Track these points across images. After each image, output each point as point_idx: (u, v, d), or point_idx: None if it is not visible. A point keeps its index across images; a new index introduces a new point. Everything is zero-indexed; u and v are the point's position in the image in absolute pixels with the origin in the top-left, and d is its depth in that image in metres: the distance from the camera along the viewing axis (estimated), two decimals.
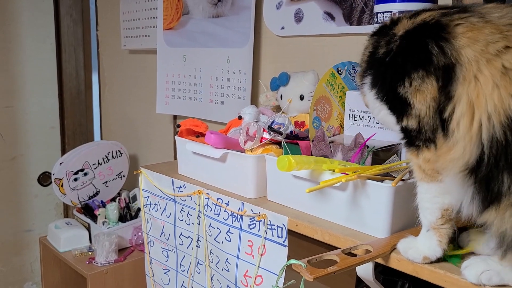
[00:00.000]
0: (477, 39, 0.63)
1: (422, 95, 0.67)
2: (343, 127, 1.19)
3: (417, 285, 1.09)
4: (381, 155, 1.03)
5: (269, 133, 1.09)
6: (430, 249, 0.74)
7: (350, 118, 1.15)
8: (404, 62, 0.70)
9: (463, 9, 0.68)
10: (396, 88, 0.71)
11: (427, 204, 0.74)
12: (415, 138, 0.70)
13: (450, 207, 0.72)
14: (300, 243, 1.38)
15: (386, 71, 0.73)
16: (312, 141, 1.10)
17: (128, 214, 1.93)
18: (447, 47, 0.65)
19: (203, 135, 1.25)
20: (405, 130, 0.72)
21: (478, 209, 0.66)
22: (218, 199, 1.11)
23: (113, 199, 2.00)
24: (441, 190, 0.71)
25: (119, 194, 2.06)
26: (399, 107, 0.71)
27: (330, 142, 1.05)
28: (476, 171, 0.64)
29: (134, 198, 2.00)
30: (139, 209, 1.93)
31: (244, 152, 1.11)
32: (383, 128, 1.07)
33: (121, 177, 2.08)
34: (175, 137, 1.28)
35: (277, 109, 1.39)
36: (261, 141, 1.09)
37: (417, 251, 0.75)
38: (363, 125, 1.13)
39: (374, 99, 0.77)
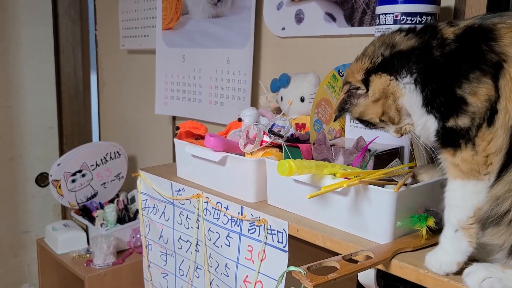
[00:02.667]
0: None
1: (481, 93, 0.69)
2: (344, 130, 1.17)
3: None
4: (383, 158, 1.02)
5: (270, 136, 1.08)
6: (462, 252, 0.72)
7: (352, 120, 1.14)
8: (462, 63, 0.71)
9: (498, 14, 0.72)
10: (453, 90, 0.71)
11: (458, 202, 0.72)
12: (461, 137, 0.71)
13: (482, 206, 0.70)
14: (301, 246, 1.36)
15: (441, 73, 0.73)
16: (313, 144, 1.08)
17: (126, 215, 1.92)
18: (495, 46, 0.69)
19: (202, 137, 1.23)
20: (450, 130, 0.72)
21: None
22: (217, 203, 1.10)
23: (112, 201, 1.99)
24: (477, 189, 0.70)
25: (117, 195, 2.04)
26: (450, 107, 0.71)
27: (331, 145, 1.04)
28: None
29: (133, 199, 1.99)
30: (137, 211, 1.92)
31: (244, 155, 1.09)
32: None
33: (119, 179, 2.06)
34: (174, 139, 1.26)
35: (278, 110, 1.38)
36: (261, 144, 1.07)
37: (451, 261, 0.73)
38: (365, 127, 1.11)
39: (419, 102, 0.75)
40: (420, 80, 0.75)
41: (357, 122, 0.87)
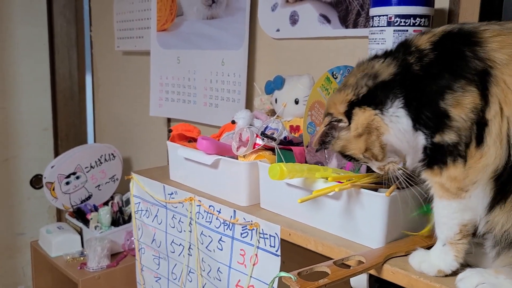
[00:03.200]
0: (507, 42, 0.65)
1: (464, 105, 0.66)
2: None
3: None
4: None
5: (262, 139, 1.07)
6: (446, 263, 0.73)
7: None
8: (443, 73, 0.68)
9: (478, 22, 0.71)
10: (437, 103, 0.68)
11: (444, 220, 0.72)
12: (449, 153, 0.68)
13: (469, 223, 0.71)
14: (296, 249, 1.35)
15: (423, 87, 0.70)
16: (307, 147, 1.07)
17: (121, 218, 1.90)
18: (480, 52, 0.66)
19: (195, 140, 1.22)
20: (437, 146, 0.69)
21: (485, 210, 0.66)
22: (210, 206, 1.09)
23: (106, 203, 1.97)
24: (462, 207, 0.70)
25: (112, 198, 2.02)
26: (435, 122, 0.68)
27: (324, 149, 1.03)
28: (500, 176, 0.64)
29: (128, 202, 1.97)
30: None
31: (237, 159, 1.08)
32: None
33: (114, 181, 2.05)
34: (167, 142, 1.25)
35: (272, 113, 1.37)
36: (254, 147, 1.07)
37: (432, 265, 0.74)
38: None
39: (409, 124, 0.71)
40: (406, 101, 0.71)
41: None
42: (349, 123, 0.77)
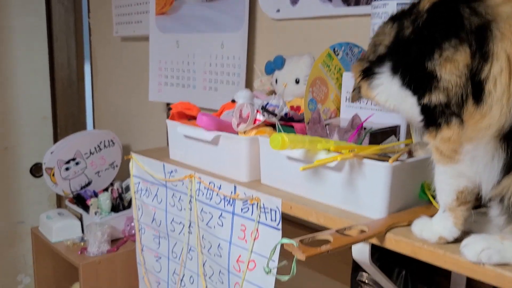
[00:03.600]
0: None
1: (453, 65, 0.64)
2: (340, 110, 1.15)
3: (413, 272, 1.06)
4: (378, 137, 1.00)
5: (263, 115, 1.06)
6: (446, 230, 0.72)
7: (347, 100, 1.12)
8: (432, 33, 0.66)
9: None
10: (423, 63, 0.67)
11: (443, 186, 0.72)
12: (440, 114, 0.67)
13: (465, 190, 0.69)
14: (296, 232, 1.35)
15: (411, 48, 0.69)
16: (308, 123, 1.06)
17: (121, 204, 1.89)
18: (480, 7, 0.63)
19: (195, 118, 1.21)
20: (427, 108, 0.68)
21: (498, 177, 0.63)
22: (210, 183, 1.08)
23: (106, 189, 1.96)
24: (456, 173, 0.69)
25: (112, 184, 2.01)
26: (423, 83, 0.68)
27: (326, 125, 1.02)
28: (509, 135, 0.62)
29: (127, 188, 1.96)
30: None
31: (237, 135, 1.07)
32: (381, 111, 1.03)
33: (113, 167, 2.04)
34: (166, 120, 1.24)
35: (272, 94, 1.36)
36: (254, 123, 1.05)
37: (433, 232, 0.73)
38: (361, 107, 1.09)
39: (397, 88, 0.72)
40: (394, 68, 0.72)
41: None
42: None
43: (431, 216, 0.77)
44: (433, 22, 0.67)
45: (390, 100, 0.75)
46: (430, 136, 0.70)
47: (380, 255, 1.09)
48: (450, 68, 0.64)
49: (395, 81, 0.72)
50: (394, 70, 0.72)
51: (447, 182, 0.70)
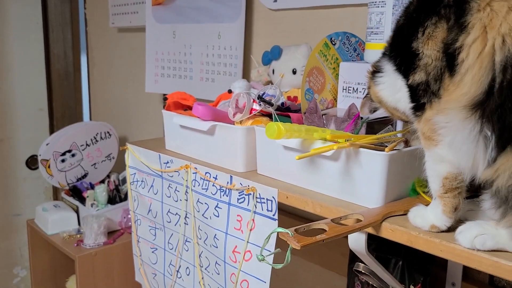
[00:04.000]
0: None
1: (433, 41, 0.65)
2: (336, 100, 1.14)
3: (410, 262, 1.06)
4: (375, 127, 0.99)
5: (259, 104, 1.05)
6: (437, 218, 0.72)
7: (344, 90, 1.11)
8: (417, 15, 0.67)
9: None
10: (410, 44, 0.68)
11: (430, 172, 0.72)
12: (423, 94, 0.67)
13: (449, 175, 0.69)
14: (292, 222, 1.34)
15: (402, 33, 0.71)
16: (304, 113, 1.05)
17: (117, 196, 1.89)
18: None
19: (191, 108, 1.20)
20: (412, 89, 0.69)
21: (492, 156, 0.61)
22: (206, 173, 1.07)
23: (102, 181, 1.96)
24: (437, 157, 0.69)
25: (108, 176, 2.01)
26: (409, 63, 0.68)
27: (323, 115, 1.01)
28: (484, 104, 0.60)
29: (124, 180, 1.96)
30: None
31: (234, 124, 1.06)
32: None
33: (110, 159, 2.03)
34: (162, 110, 1.23)
35: (269, 84, 1.35)
36: (250, 113, 1.05)
37: (425, 219, 0.73)
38: (358, 97, 1.09)
39: (394, 77, 0.73)
40: (389, 55, 0.74)
41: None
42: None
43: (427, 205, 0.77)
44: (420, 4, 0.68)
45: (391, 93, 0.75)
46: (418, 121, 0.70)
47: (377, 245, 1.09)
48: (431, 44, 0.65)
49: (392, 69, 0.73)
50: (390, 59, 0.73)
51: (433, 168, 0.71)
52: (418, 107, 0.70)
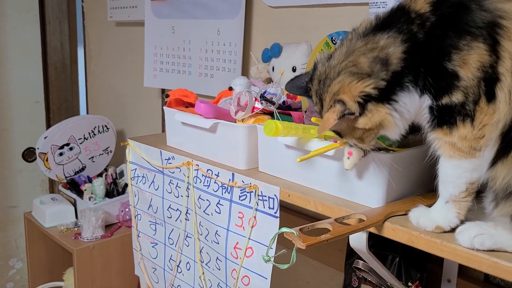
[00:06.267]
0: None
1: (471, 63, 0.64)
2: None
3: (407, 259, 1.08)
4: None
5: (261, 103, 1.06)
6: (446, 220, 0.73)
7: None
8: (446, 32, 0.65)
9: None
10: (443, 64, 0.66)
11: (452, 179, 0.72)
12: (457, 113, 0.67)
13: (476, 181, 0.71)
14: (292, 219, 1.36)
15: (429, 52, 0.67)
16: (305, 112, 1.07)
17: (115, 190, 1.89)
18: (486, 4, 0.63)
19: (192, 105, 1.21)
20: (445, 107, 0.68)
21: (488, 166, 0.66)
22: (208, 170, 1.08)
23: (100, 175, 1.96)
24: (473, 166, 0.70)
25: (106, 169, 2.01)
26: (443, 84, 0.67)
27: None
28: (508, 133, 0.64)
29: (121, 174, 1.96)
30: (126, 185, 1.90)
31: (235, 122, 1.07)
32: None
33: (107, 153, 2.03)
34: (164, 107, 1.24)
35: (269, 81, 1.35)
36: (252, 111, 1.06)
37: (430, 220, 0.74)
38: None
39: (415, 102, 0.69)
40: (414, 78, 0.68)
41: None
42: (360, 114, 0.70)
43: (428, 205, 0.78)
44: (445, 21, 0.66)
45: (400, 123, 0.71)
46: (443, 134, 0.70)
47: (375, 242, 1.11)
48: (469, 67, 0.65)
49: (415, 93, 0.69)
50: (415, 82, 0.69)
51: (460, 176, 0.71)
52: (444, 122, 0.69)
